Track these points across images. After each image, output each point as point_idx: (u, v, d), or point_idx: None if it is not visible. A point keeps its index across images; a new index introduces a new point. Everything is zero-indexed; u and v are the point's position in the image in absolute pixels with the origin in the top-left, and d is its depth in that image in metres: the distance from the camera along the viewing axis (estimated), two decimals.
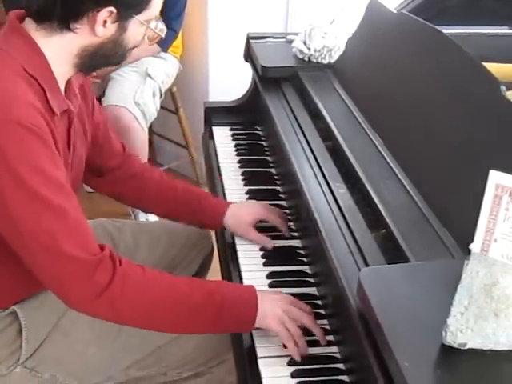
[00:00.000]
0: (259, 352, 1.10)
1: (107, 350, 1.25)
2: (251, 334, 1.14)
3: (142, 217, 2.52)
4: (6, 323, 1.23)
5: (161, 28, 1.19)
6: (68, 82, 1.17)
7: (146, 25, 1.13)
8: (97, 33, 1.08)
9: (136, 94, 2.30)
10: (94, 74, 2.20)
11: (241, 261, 1.31)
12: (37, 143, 1.01)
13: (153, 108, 2.36)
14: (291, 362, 1.07)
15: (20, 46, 1.07)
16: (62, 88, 1.15)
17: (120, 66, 2.34)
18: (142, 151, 2.35)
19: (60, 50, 1.10)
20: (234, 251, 1.35)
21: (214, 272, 1.47)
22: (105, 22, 1.07)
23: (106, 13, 1.06)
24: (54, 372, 1.25)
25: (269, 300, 1.11)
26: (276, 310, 1.10)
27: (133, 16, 1.10)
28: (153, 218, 2.55)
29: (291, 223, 1.41)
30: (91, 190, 2.87)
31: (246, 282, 1.25)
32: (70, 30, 1.07)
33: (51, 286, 1.07)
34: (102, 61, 1.16)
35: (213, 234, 1.60)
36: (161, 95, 2.45)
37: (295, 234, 1.38)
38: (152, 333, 1.16)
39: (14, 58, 1.05)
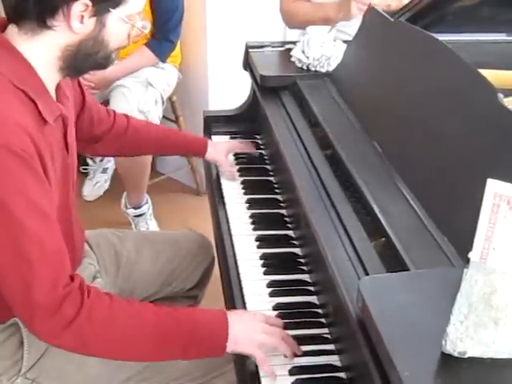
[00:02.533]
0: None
1: (107, 362, 1.24)
2: None
3: (143, 226, 2.53)
4: (8, 334, 1.23)
5: (143, 25, 1.18)
6: (58, 85, 1.17)
7: (126, 21, 1.11)
8: (74, 28, 1.06)
9: (139, 103, 2.31)
10: (87, 76, 2.22)
11: (241, 270, 1.31)
12: (24, 169, 1.00)
13: (156, 115, 2.38)
14: (292, 372, 1.07)
15: (5, 58, 1.06)
16: (53, 93, 1.14)
17: (119, 76, 2.36)
18: (147, 159, 2.37)
19: (43, 53, 1.09)
20: (235, 260, 1.35)
21: (214, 281, 1.47)
22: (82, 17, 1.05)
23: (80, 6, 1.04)
24: (56, 383, 1.25)
25: (239, 322, 1.10)
26: (248, 332, 1.09)
27: (110, 10, 1.08)
28: (153, 226, 2.56)
29: (291, 231, 1.41)
30: (89, 199, 2.88)
31: (246, 290, 1.26)
32: (48, 27, 1.06)
33: (20, 316, 1.07)
34: (85, 62, 1.13)
35: (209, 236, 1.61)
36: (163, 102, 2.46)
37: (295, 242, 1.38)
38: None
39: (1, 73, 1.04)
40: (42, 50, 1.08)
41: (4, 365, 1.22)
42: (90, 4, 1.04)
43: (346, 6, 1.81)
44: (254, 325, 1.11)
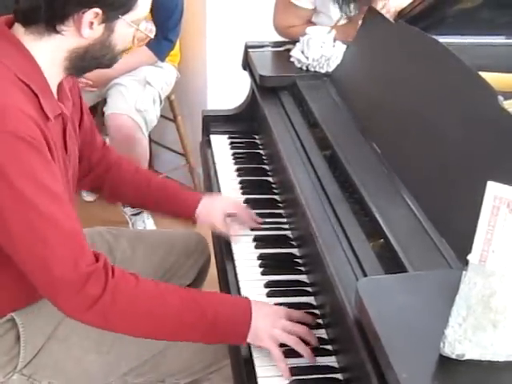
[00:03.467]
0: (256, 361, 1.10)
1: (105, 357, 1.25)
2: (249, 345, 1.14)
3: (140, 225, 2.52)
4: (4, 330, 1.23)
5: (150, 29, 1.20)
6: (60, 85, 1.18)
7: (134, 26, 1.14)
8: (83, 35, 1.08)
9: (137, 102, 2.31)
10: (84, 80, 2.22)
11: (238, 270, 1.31)
12: (33, 154, 1.01)
13: (153, 115, 2.38)
14: (291, 372, 1.07)
15: (11, 52, 1.08)
16: (55, 91, 1.15)
17: (117, 74, 2.36)
18: (144, 158, 2.36)
19: (50, 53, 1.10)
20: (232, 260, 1.35)
21: (212, 281, 1.47)
22: (91, 23, 1.07)
23: (91, 14, 1.06)
24: (52, 379, 1.25)
25: (262, 316, 1.10)
26: (269, 327, 1.09)
27: (119, 17, 1.10)
28: (150, 225, 2.55)
29: (289, 232, 1.41)
30: (89, 199, 2.88)
31: (243, 290, 1.25)
32: (57, 32, 1.08)
33: (45, 295, 1.09)
34: (91, 63, 1.16)
35: (210, 242, 1.60)
36: (160, 102, 2.46)
37: (293, 242, 1.38)
38: (149, 340, 1.16)
39: (7, 66, 1.06)
40: (48, 51, 1.10)
41: (1, 360, 1.22)
42: (100, 12, 1.06)
43: (351, 29, 1.76)
44: (276, 320, 1.10)
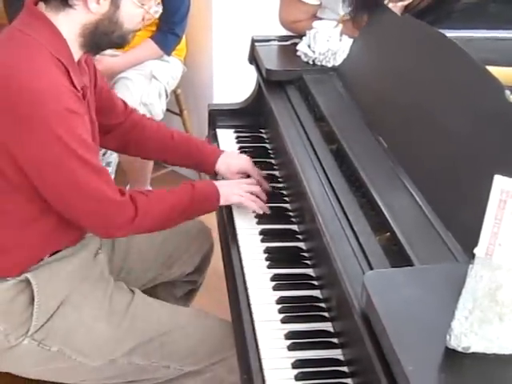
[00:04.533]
0: (263, 354, 1.11)
1: (114, 329, 1.28)
2: (254, 333, 1.15)
3: None
4: (18, 290, 1.25)
5: (155, 10, 1.30)
6: (78, 60, 1.27)
7: (138, 5, 1.24)
8: (90, 8, 1.18)
9: (143, 95, 2.31)
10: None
11: (245, 263, 1.32)
12: (80, 122, 1.20)
13: (159, 108, 2.38)
14: (295, 365, 1.08)
15: (42, 29, 1.19)
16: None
17: (128, 66, 2.36)
18: None
19: (67, 28, 1.21)
20: (238, 253, 1.36)
21: (218, 274, 1.47)
22: None
23: None
24: (62, 346, 1.27)
25: (226, 184, 1.44)
26: (232, 189, 1.42)
27: None
28: None
29: (295, 225, 1.42)
30: None
31: (249, 283, 1.26)
32: (69, 6, 1.18)
33: (94, 228, 1.30)
34: (103, 39, 1.25)
35: (213, 230, 1.61)
36: (166, 96, 2.46)
37: (299, 236, 1.39)
38: (156, 318, 1.28)
39: (41, 43, 1.17)
40: (66, 27, 1.21)
41: (12, 322, 1.24)
42: None
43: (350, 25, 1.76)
44: (238, 184, 1.44)
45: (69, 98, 1.18)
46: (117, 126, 1.52)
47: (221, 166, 1.55)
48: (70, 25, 1.21)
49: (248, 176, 1.55)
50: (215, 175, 1.58)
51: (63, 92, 1.17)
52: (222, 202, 1.41)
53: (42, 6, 1.21)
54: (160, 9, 1.31)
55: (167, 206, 1.34)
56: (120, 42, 1.28)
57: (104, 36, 1.24)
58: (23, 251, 1.28)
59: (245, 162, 1.56)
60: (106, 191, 1.23)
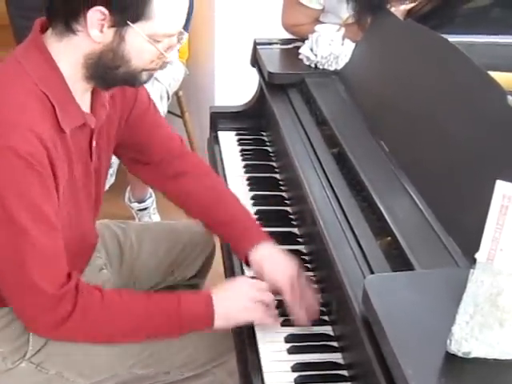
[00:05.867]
0: (263, 357, 1.11)
1: (112, 348, 1.26)
2: (254, 336, 1.15)
3: (147, 220, 2.53)
4: (14, 317, 1.23)
5: (170, 53, 1.13)
6: (96, 94, 1.17)
7: (146, 39, 1.07)
8: (92, 36, 1.05)
9: None
10: None
11: (245, 266, 1.31)
12: (30, 174, 1.02)
13: (160, 110, 2.37)
14: (295, 368, 1.08)
15: (37, 60, 1.08)
16: (87, 102, 1.16)
17: None
18: None
19: (69, 57, 1.09)
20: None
21: (219, 278, 1.47)
22: (102, 26, 1.05)
23: (98, 14, 1.03)
24: (61, 369, 1.25)
25: (224, 300, 1.16)
26: (237, 303, 1.16)
27: (128, 24, 1.05)
28: (156, 220, 2.56)
29: (296, 229, 1.42)
30: None
31: None
32: (73, 31, 1.07)
33: (16, 311, 1.15)
34: (108, 74, 1.11)
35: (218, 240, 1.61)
36: (168, 98, 2.46)
37: (300, 239, 1.38)
38: None
39: (28, 74, 1.06)
40: (68, 55, 1.09)
41: (9, 347, 1.23)
42: (106, 13, 1.03)
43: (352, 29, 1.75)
44: (240, 298, 1.16)
45: (27, 142, 1.01)
46: (160, 163, 1.38)
47: (253, 263, 1.25)
48: (73, 53, 1.09)
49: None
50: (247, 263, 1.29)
51: (21, 131, 1.01)
52: (221, 324, 1.14)
53: (48, 32, 1.10)
54: (173, 55, 1.15)
55: (128, 317, 1.14)
56: (130, 79, 1.14)
57: (108, 70, 1.10)
58: None
59: (293, 265, 1.22)
60: (29, 270, 1.05)
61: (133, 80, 1.14)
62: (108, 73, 1.11)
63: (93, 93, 1.18)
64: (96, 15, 1.04)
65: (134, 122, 1.33)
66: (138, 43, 1.08)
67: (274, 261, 1.23)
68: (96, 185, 1.27)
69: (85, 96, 1.16)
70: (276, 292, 1.19)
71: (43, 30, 1.12)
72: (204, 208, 1.36)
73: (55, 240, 1.09)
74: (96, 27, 1.05)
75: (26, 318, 1.14)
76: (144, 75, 1.14)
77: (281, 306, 1.20)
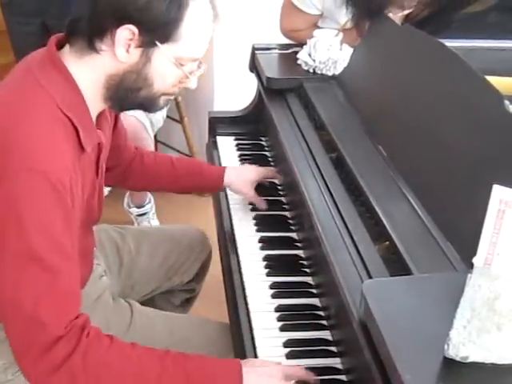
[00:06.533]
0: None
1: None
2: (253, 341, 1.15)
3: (146, 225, 2.53)
4: None
5: (193, 78, 1.12)
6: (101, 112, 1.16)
7: (173, 61, 1.06)
8: (118, 55, 1.03)
9: None
10: None
11: (244, 271, 1.32)
12: (55, 202, 0.98)
13: (159, 116, 2.38)
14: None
15: (57, 81, 1.05)
16: (94, 120, 1.13)
17: None
18: None
19: (90, 76, 1.07)
20: (237, 261, 1.36)
21: (217, 283, 1.47)
22: (129, 46, 1.03)
23: (127, 33, 1.01)
24: None
25: (255, 378, 1.03)
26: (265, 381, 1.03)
27: (156, 44, 1.04)
28: (155, 224, 2.56)
29: (294, 233, 1.42)
30: None
31: (248, 292, 1.26)
32: (96, 50, 1.04)
33: (14, 350, 1.02)
34: (127, 96, 1.09)
35: (213, 238, 1.61)
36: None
37: (299, 244, 1.39)
38: (157, 336, 1.21)
39: (50, 95, 1.03)
40: (89, 74, 1.07)
41: (9, 359, 1.22)
42: (136, 32, 1.01)
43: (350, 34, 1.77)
44: (270, 381, 1.04)
45: (56, 167, 0.98)
46: (121, 162, 1.44)
47: (230, 176, 1.48)
48: (94, 72, 1.06)
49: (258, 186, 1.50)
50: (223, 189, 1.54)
51: (51, 156, 0.98)
52: None
53: (66, 49, 1.07)
54: (195, 81, 1.11)
55: (136, 372, 1.00)
56: (147, 104, 1.12)
57: (129, 92, 1.08)
58: None
59: (255, 168, 1.53)
60: (47, 316, 0.97)
61: (150, 104, 1.13)
62: (128, 95, 1.09)
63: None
64: (124, 34, 1.02)
65: (119, 127, 1.36)
66: (164, 65, 1.07)
67: (240, 168, 1.55)
68: (98, 199, 1.25)
69: (95, 115, 1.14)
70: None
71: (58, 46, 1.08)
72: (163, 173, 1.47)
73: (73, 277, 1.02)
74: (123, 46, 1.03)
75: (21, 360, 1.01)
76: (162, 100, 1.13)
77: (281, 310, 1.20)
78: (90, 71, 1.06)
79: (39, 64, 1.07)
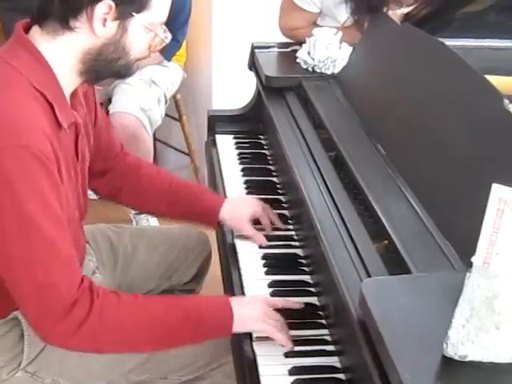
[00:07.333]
0: (259, 360, 1.10)
1: (108, 356, 1.25)
2: (251, 340, 1.15)
3: (144, 224, 2.52)
4: (8, 328, 1.23)
5: (165, 36, 1.17)
6: (74, 91, 1.17)
7: (149, 28, 1.11)
8: (96, 31, 1.06)
9: (142, 101, 2.31)
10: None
11: (242, 270, 1.32)
12: (41, 171, 1.00)
13: (158, 114, 2.38)
14: (292, 372, 1.08)
15: (27, 60, 1.07)
16: (68, 99, 1.14)
17: None
18: (148, 157, 2.37)
19: (64, 55, 1.08)
20: (236, 260, 1.35)
21: (214, 281, 1.47)
22: (105, 20, 1.05)
23: (104, 8, 1.04)
24: (56, 377, 1.25)
25: (242, 304, 1.15)
26: (252, 312, 1.14)
27: (133, 15, 1.07)
28: (154, 223, 2.55)
29: (293, 232, 1.42)
30: (94, 197, 2.88)
31: (247, 290, 1.26)
32: (70, 29, 1.06)
33: (31, 318, 1.07)
34: (105, 67, 1.12)
35: (211, 238, 1.61)
36: (166, 101, 2.46)
37: (297, 243, 1.38)
38: None
39: (22, 75, 1.05)
40: (63, 52, 1.08)
41: (4, 358, 1.22)
42: (113, 6, 1.04)
43: (357, 32, 1.76)
44: (256, 305, 1.15)
45: (36, 139, 1.00)
46: (110, 170, 1.42)
47: (226, 212, 1.40)
48: (69, 50, 1.08)
49: (258, 222, 1.40)
50: (219, 225, 1.43)
51: (30, 129, 1.00)
52: (237, 328, 1.13)
53: (35, 31, 1.09)
54: (169, 34, 1.17)
55: (146, 318, 1.09)
56: (123, 71, 1.16)
57: (107, 63, 1.11)
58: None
59: (254, 203, 1.42)
60: (47, 270, 1.02)
61: (126, 72, 1.17)
62: (106, 66, 1.12)
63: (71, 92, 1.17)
64: (101, 9, 1.04)
65: (98, 125, 1.34)
66: (139, 33, 1.11)
67: (239, 201, 1.43)
68: (82, 185, 1.24)
69: (69, 94, 1.15)
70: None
71: (26, 30, 1.10)
72: (157, 196, 1.42)
73: (68, 241, 1.06)
74: (99, 21, 1.05)
75: (42, 327, 1.06)
76: (135, 66, 1.17)
77: (280, 309, 1.20)
78: (65, 49, 1.08)
79: (8, 48, 1.10)
